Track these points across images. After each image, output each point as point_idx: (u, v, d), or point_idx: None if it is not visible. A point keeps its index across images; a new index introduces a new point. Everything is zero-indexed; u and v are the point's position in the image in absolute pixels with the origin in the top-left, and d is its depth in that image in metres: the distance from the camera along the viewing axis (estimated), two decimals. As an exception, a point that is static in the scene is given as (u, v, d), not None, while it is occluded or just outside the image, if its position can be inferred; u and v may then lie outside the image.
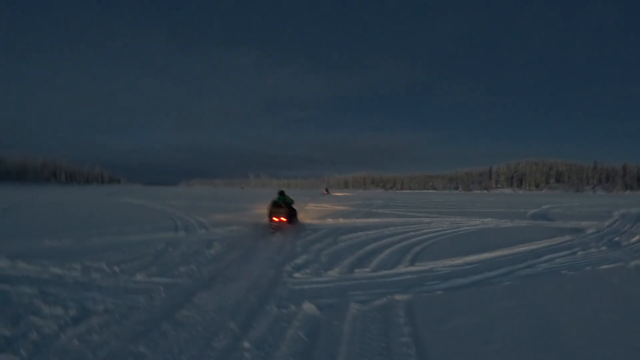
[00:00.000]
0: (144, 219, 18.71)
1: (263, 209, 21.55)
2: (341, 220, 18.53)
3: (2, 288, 6.60)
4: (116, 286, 6.88)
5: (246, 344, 4.35)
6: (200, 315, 5.33)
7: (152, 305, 5.78)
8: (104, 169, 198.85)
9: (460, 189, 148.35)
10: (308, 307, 5.57)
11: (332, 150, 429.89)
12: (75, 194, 56.09)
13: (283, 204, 15.84)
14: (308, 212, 24.44)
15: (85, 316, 5.25)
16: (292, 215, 16.20)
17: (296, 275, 7.80)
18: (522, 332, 4.61)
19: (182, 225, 15.94)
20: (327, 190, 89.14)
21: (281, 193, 17.03)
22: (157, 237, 12.37)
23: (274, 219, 15.26)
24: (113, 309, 5.59)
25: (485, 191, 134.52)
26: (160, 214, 22.39)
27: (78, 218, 19.78)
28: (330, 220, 18.37)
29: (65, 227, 15.22)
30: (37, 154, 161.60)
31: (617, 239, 13.00)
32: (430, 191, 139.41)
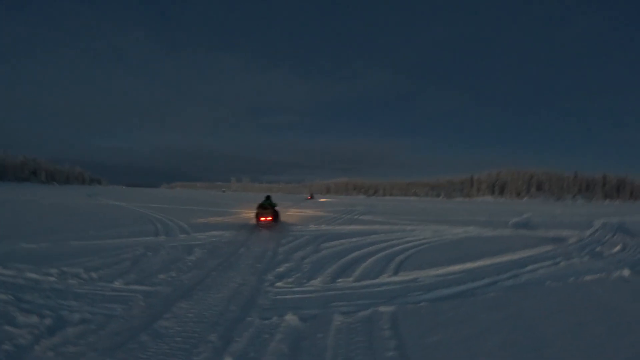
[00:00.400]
0: (123, 222, 18.53)
1: (245, 213, 21.45)
2: (323, 227, 18.45)
3: (-26, 294, 6.42)
4: (93, 294, 6.72)
5: (228, 358, 4.24)
6: (179, 326, 5.21)
7: (130, 315, 5.63)
8: (84, 169, 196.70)
9: (442, 197, 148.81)
10: (291, 318, 5.46)
11: (315, 155, 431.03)
12: (55, 194, 55.45)
13: (269, 206, 19.07)
14: (290, 218, 24.33)
15: (61, 326, 5.09)
16: (275, 215, 19.38)
17: (278, 284, 7.68)
18: (509, 345, 4.56)
19: (163, 229, 15.79)
20: (311, 196, 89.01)
21: (267, 197, 20.48)
22: (136, 242, 12.22)
23: (262, 218, 18.35)
24: (90, 318, 5.45)
25: (467, 199, 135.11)
26: (141, 216, 22.20)
27: (56, 220, 19.51)
28: (312, 227, 18.28)
29: (43, 229, 14.98)
30: (17, 152, 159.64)
31: (599, 248, 13.06)
32: (412, 198, 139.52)
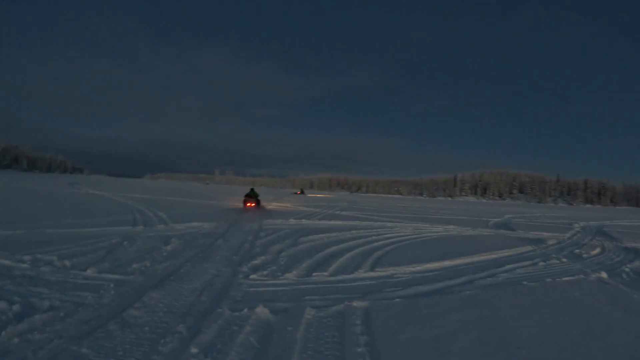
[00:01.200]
0: (102, 211, 18.42)
1: (228, 204, 21.43)
2: (304, 221, 18.46)
3: (-57, 278, 6.35)
4: (65, 281, 6.67)
5: (193, 349, 4.21)
6: (149, 316, 5.17)
7: (99, 304, 5.58)
8: (67, 158, 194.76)
9: (425, 195, 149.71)
10: (262, 311, 5.45)
11: (300, 150, 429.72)
12: (36, 182, 54.88)
13: (253, 195, 27.67)
14: (271, 212, 24.30)
15: (29, 313, 5.03)
16: (257, 202, 27.50)
17: (252, 276, 7.65)
18: (482, 344, 4.58)
19: (141, 219, 15.71)
20: (301, 191, 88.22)
21: (252, 190, 29.48)
22: (113, 231, 12.15)
23: (247, 204, 26.53)
24: (59, 305, 5.39)
25: (449, 198, 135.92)
26: (121, 206, 22.08)
27: (35, 207, 19.31)
28: (292, 221, 18.27)
29: (20, 216, 14.85)
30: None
31: (577, 251, 13.22)
32: (395, 196, 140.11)
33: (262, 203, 30.68)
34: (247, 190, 36.73)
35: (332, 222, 18.86)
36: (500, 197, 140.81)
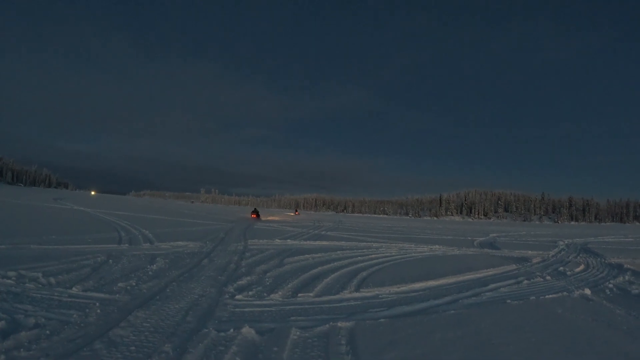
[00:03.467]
0: (87, 229, 18.31)
1: (213, 225, 21.38)
2: (289, 242, 18.44)
3: None
4: (50, 299, 6.66)
5: (180, 369, 4.25)
6: (135, 335, 5.18)
7: (85, 322, 5.58)
8: (52, 172, 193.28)
9: (410, 215, 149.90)
10: (247, 331, 5.48)
11: (285, 170, 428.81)
12: (20, 196, 54.32)
13: (257, 211, 44.88)
14: (257, 230, 24.31)
15: (14, 330, 5.03)
16: (258, 215, 43.48)
17: (238, 297, 7.67)
18: (464, 363, 4.65)
19: (126, 237, 15.65)
20: (297, 211, 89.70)
21: (255, 208, 49.65)
22: (98, 249, 12.10)
23: (253, 215, 42.49)
24: (45, 323, 5.39)
25: (435, 218, 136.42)
26: (106, 223, 21.95)
27: (19, 222, 19.20)
28: (278, 241, 18.25)
29: (4, 231, 14.74)
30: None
31: (562, 268, 13.40)
32: (381, 216, 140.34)
33: (261, 217, 45.51)
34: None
35: (318, 243, 18.85)
36: (485, 216, 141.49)
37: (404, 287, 9.37)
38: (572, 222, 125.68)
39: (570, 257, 16.98)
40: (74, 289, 7.34)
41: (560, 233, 43.11)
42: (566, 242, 26.13)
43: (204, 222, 29.20)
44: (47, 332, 5.09)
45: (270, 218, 47.51)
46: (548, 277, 11.30)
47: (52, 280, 7.79)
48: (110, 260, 10.24)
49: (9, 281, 7.50)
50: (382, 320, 6.42)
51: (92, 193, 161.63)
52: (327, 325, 5.97)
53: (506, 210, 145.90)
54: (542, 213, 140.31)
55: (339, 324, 6.00)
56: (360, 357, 4.75)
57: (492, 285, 9.89)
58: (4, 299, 6.40)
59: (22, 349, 4.49)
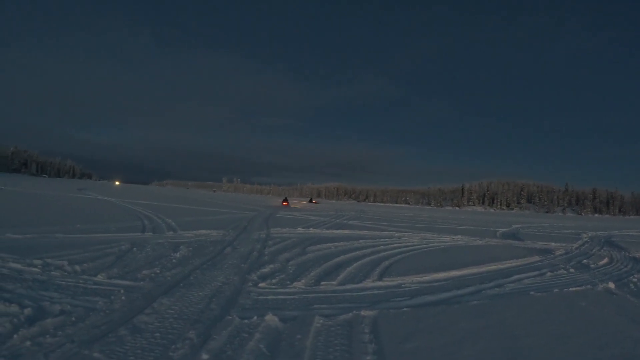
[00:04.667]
0: (111, 217, 18.51)
1: (236, 214, 21.51)
2: (312, 230, 18.46)
3: (-44, 281, 6.42)
4: (75, 286, 6.71)
5: (204, 355, 4.24)
6: (159, 322, 5.20)
7: (110, 309, 5.62)
8: (76, 163, 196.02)
9: (432, 205, 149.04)
10: (271, 318, 5.47)
11: (307, 159, 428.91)
12: (45, 187, 55.12)
13: (287, 200, 58.20)
14: (280, 219, 24.37)
15: (40, 316, 5.07)
16: (288, 203, 54.73)
17: (261, 284, 7.67)
18: (488, 354, 4.59)
19: (150, 226, 15.77)
20: (314, 200, 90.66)
21: (285, 197, 63.45)
22: (123, 237, 12.19)
23: (284, 203, 53.16)
24: (70, 310, 5.43)
25: (457, 208, 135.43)
26: (129, 213, 22.14)
27: (44, 212, 19.46)
28: (300, 230, 18.27)
29: (30, 220, 14.96)
30: (9, 142, 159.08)
31: (585, 261, 13.16)
32: (403, 205, 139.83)
33: (291, 204, 57.07)
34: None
35: (340, 231, 18.85)
36: (508, 206, 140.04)
37: (427, 277, 9.29)
38: (596, 215, 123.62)
39: (593, 250, 16.69)
40: (99, 276, 7.40)
41: (584, 225, 42.52)
42: (590, 235, 25.72)
43: (227, 211, 29.35)
44: (73, 318, 5.12)
45: (295, 205, 56.54)
46: (571, 270, 11.11)
47: (78, 268, 7.86)
48: (135, 249, 10.31)
49: (35, 269, 7.59)
50: (405, 309, 6.37)
51: (117, 183, 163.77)
52: (350, 314, 5.94)
53: (529, 201, 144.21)
54: (565, 205, 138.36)
55: (362, 313, 5.97)
56: (384, 346, 4.71)
57: (515, 277, 9.74)
58: (30, 287, 6.46)
59: (47, 335, 4.52)
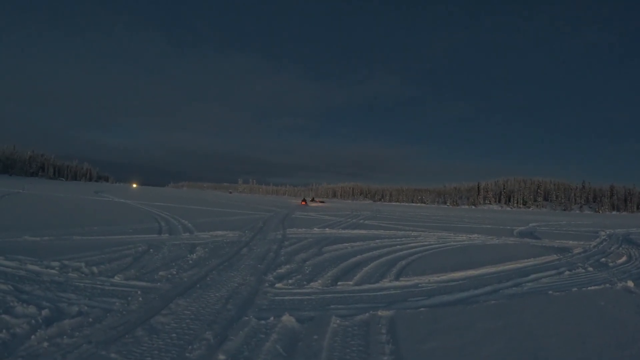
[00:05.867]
0: (128, 219, 18.63)
1: (252, 214, 21.56)
2: (327, 230, 18.44)
3: (-25, 283, 6.47)
4: (93, 287, 6.74)
5: (221, 356, 4.23)
6: (176, 323, 5.20)
7: (127, 310, 5.63)
8: (92, 166, 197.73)
9: (448, 204, 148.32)
10: (287, 319, 5.44)
11: (322, 159, 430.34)
12: (62, 190, 55.66)
13: (305, 199, 70.45)
14: (295, 219, 24.38)
15: (58, 317, 5.10)
16: (306, 202, 66.38)
17: (278, 285, 7.65)
18: (507, 354, 4.52)
19: (166, 228, 15.83)
20: (321, 201, 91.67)
21: (304, 198, 78.35)
22: (139, 239, 12.24)
23: (302, 202, 64.97)
24: (87, 311, 5.45)
25: (473, 207, 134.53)
26: (146, 214, 22.27)
27: (61, 214, 19.65)
28: (316, 230, 18.26)
29: (48, 222, 15.08)
30: (26, 146, 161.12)
31: (603, 259, 12.98)
32: (418, 205, 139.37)
33: (309, 204, 65.88)
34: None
35: (356, 231, 18.81)
36: (524, 204, 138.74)
37: (444, 276, 9.22)
38: (614, 212, 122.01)
39: (612, 248, 16.45)
40: (116, 277, 7.43)
41: (602, 223, 41.99)
42: (607, 233, 25.36)
43: (243, 212, 29.43)
44: (90, 319, 5.14)
45: (313, 205, 65.47)
46: (590, 268, 10.94)
47: (95, 269, 7.89)
48: (151, 250, 10.35)
49: (53, 271, 7.64)
50: (422, 309, 6.31)
51: (134, 185, 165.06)
52: (367, 314, 5.90)
53: (545, 199, 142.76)
54: (583, 202, 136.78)
55: (379, 313, 5.93)
56: (401, 346, 4.66)
57: (533, 276, 9.61)
58: (47, 288, 6.50)
59: (65, 336, 4.54)
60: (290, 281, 8.01)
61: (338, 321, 5.57)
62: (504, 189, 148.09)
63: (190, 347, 4.45)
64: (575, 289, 8.20)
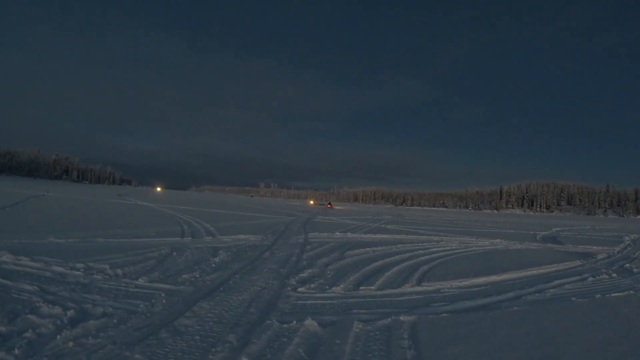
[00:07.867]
0: (151, 222, 18.79)
1: (274, 218, 21.60)
2: (349, 235, 18.41)
3: (2, 283, 6.57)
4: (117, 289, 6.82)
5: (244, 359, 4.23)
6: (199, 325, 5.22)
7: (151, 312, 5.68)
8: (115, 170, 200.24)
9: (470, 208, 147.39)
10: (310, 323, 5.43)
11: (343, 163, 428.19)
12: (86, 193, 56.37)
13: (330, 203, 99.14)
14: (317, 223, 24.39)
15: (83, 318, 5.15)
16: (319, 204, 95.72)
17: (300, 289, 7.66)
18: (529, 362, 4.45)
19: (189, 231, 15.94)
20: (329, 204, 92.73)
21: (329, 201, 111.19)
22: (162, 242, 12.35)
23: (328, 205, 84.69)
24: (112, 312, 5.50)
25: (495, 211, 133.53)
26: (168, 218, 22.46)
27: (86, 217, 19.91)
28: (338, 234, 18.24)
29: (72, 225, 15.29)
30: (50, 150, 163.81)
31: (628, 265, 12.73)
32: (440, 209, 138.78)
33: (335, 207, 72.62)
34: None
35: (378, 236, 18.77)
36: (547, 209, 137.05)
37: (466, 282, 9.14)
38: (638, 216, 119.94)
39: (636, 254, 16.12)
40: (140, 280, 7.50)
41: (626, 228, 41.18)
42: (632, 238, 24.83)
43: (265, 216, 29.52)
44: (115, 320, 5.18)
45: (337, 208, 68.66)
46: (614, 275, 10.72)
47: (119, 271, 7.98)
48: (174, 253, 10.42)
49: (78, 272, 7.74)
50: (444, 315, 6.26)
51: (158, 189, 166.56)
52: (389, 319, 5.85)
53: (569, 203, 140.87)
54: (607, 206, 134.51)
55: (401, 318, 5.88)
56: (423, 352, 4.61)
57: (556, 282, 9.46)
58: (72, 290, 6.59)
59: (90, 337, 4.58)
60: (312, 285, 8.01)
61: (360, 326, 5.54)
62: (526, 193, 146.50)
63: (213, 349, 4.46)
64: (599, 295, 8.05)
